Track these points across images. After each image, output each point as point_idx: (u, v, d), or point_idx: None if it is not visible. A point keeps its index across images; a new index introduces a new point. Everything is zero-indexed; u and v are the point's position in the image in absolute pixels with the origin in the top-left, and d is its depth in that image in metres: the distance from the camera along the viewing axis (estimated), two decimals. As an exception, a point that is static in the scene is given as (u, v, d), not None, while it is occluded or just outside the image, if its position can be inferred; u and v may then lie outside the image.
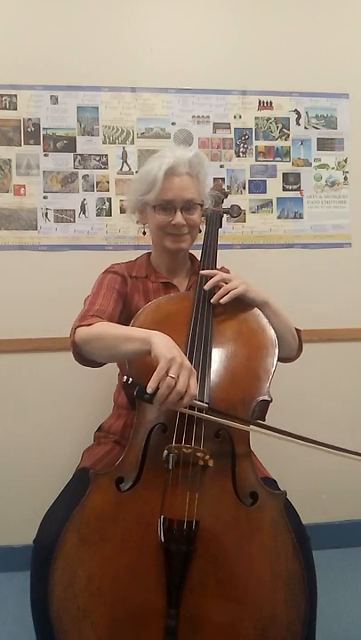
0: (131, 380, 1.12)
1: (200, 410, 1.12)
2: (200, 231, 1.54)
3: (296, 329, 1.44)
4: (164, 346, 1.11)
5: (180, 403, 1.08)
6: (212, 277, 1.35)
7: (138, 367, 1.21)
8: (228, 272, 1.56)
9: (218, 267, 1.50)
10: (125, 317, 1.40)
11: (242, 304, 1.34)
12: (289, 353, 1.44)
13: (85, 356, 1.28)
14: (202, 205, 1.47)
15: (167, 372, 1.06)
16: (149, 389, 1.07)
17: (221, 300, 1.30)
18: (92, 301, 1.40)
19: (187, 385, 1.07)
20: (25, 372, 2.02)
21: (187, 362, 1.11)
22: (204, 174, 1.49)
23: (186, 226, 1.43)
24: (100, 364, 1.33)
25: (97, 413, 1.66)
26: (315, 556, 1.22)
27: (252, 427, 1.16)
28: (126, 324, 1.32)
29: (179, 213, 1.42)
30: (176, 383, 1.06)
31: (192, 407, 1.12)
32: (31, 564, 1.21)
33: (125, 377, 1.13)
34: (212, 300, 1.31)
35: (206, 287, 1.33)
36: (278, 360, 1.30)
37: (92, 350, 1.25)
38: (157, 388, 1.07)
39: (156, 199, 1.42)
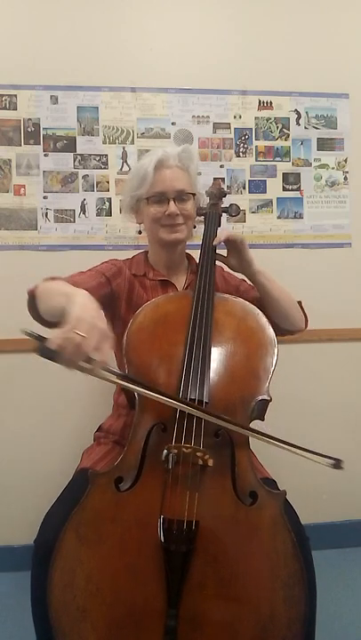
0: (30, 331, 1.02)
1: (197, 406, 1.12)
2: (195, 227, 1.55)
3: (298, 301, 1.55)
4: (80, 304, 1.03)
5: (89, 367, 1.00)
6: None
7: (137, 366, 1.23)
8: (227, 273, 1.58)
9: (216, 267, 1.50)
10: (124, 313, 1.43)
11: (244, 305, 1.35)
12: (296, 323, 1.53)
13: (39, 311, 1.27)
14: (194, 195, 1.49)
15: (75, 329, 0.97)
16: (51, 345, 0.97)
17: (215, 241, 1.43)
18: (73, 274, 1.42)
19: (95, 347, 0.98)
20: (25, 371, 2.02)
21: (101, 325, 1.00)
22: (195, 169, 1.51)
23: (180, 216, 1.45)
24: (46, 323, 1.26)
25: (97, 413, 1.66)
26: (315, 555, 1.22)
27: (246, 431, 1.16)
28: (116, 322, 1.41)
29: (172, 203, 1.44)
30: (83, 343, 0.97)
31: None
32: (31, 563, 1.21)
33: (28, 332, 1.03)
34: (214, 242, 1.43)
35: (215, 242, 1.43)
36: (288, 332, 1.50)
37: (40, 304, 1.25)
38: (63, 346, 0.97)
39: (148, 192, 1.45)
